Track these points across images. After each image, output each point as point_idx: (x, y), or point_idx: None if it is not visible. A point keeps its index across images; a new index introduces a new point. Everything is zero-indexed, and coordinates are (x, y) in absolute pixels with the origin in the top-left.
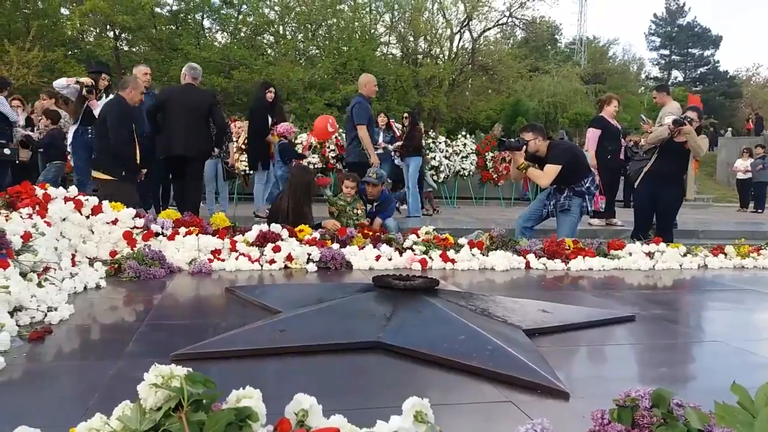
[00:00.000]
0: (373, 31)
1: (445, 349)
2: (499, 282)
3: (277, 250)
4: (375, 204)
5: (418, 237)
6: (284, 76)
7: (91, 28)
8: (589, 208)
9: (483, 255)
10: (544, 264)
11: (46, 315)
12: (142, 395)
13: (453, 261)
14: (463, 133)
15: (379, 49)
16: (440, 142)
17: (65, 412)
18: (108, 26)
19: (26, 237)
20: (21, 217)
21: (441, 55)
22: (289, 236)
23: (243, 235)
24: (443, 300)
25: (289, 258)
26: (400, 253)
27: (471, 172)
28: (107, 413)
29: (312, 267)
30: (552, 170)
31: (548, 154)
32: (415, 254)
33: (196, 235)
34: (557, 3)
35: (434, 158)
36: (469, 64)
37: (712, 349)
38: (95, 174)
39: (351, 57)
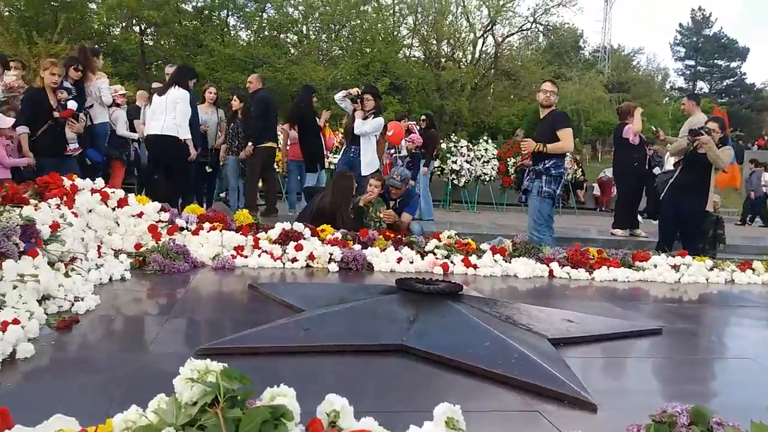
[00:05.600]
0: (396, 33)
1: (470, 356)
2: (521, 289)
3: (299, 248)
4: (398, 200)
5: (440, 241)
6: (306, 76)
7: (118, 23)
8: (544, 188)
9: (506, 261)
10: (568, 273)
11: (73, 304)
12: (177, 389)
13: (475, 266)
14: (485, 137)
15: (402, 52)
16: (462, 147)
17: (93, 402)
18: (134, 21)
19: (54, 227)
20: (49, 207)
21: (464, 59)
22: (312, 235)
23: (266, 233)
24: (467, 305)
25: (311, 257)
26: (422, 257)
27: (492, 178)
28: (133, 405)
29: (333, 267)
30: (566, 134)
31: (555, 122)
32: (436, 258)
33: (220, 231)
34: (581, 10)
35: (455, 162)
36: (492, 69)
37: (741, 366)
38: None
39: (374, 58)
